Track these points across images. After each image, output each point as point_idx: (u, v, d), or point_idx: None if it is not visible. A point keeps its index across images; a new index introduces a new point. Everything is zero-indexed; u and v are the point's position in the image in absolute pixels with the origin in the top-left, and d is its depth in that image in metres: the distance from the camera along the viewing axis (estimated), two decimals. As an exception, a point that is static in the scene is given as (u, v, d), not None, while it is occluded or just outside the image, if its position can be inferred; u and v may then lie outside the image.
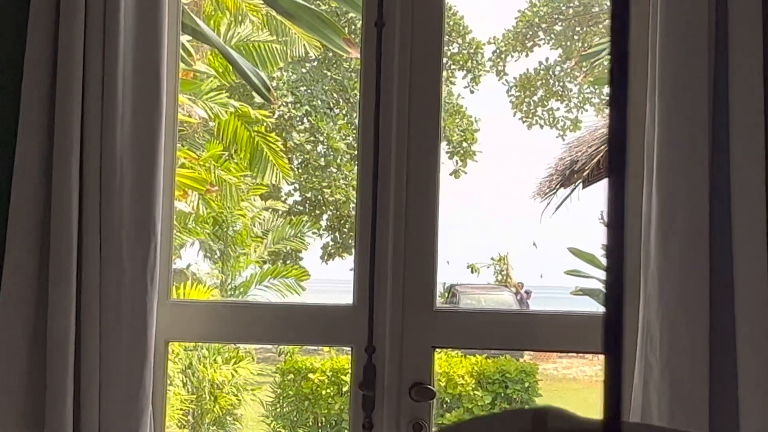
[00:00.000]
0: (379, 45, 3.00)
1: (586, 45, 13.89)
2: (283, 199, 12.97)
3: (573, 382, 12.37)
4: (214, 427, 10.11)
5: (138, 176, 2.85)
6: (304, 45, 10.92)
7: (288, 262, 12.25)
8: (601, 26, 13.91)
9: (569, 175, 9.51)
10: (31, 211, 2.81)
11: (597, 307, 9.92)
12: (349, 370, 3.07)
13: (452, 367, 9.76)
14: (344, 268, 13.12)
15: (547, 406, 0.86)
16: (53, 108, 2.81)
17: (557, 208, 9.78)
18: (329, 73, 13.27)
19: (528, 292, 12.48)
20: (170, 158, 3.01)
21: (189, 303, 4.37)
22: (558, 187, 9.68)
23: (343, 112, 13.42)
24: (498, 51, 14.20)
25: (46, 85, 2.83)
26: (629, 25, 0.84)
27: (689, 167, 2.69)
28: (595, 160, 9.20)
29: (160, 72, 2.87)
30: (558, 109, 13.98)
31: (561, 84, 14.08)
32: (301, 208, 13.23)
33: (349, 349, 3.07)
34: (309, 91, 13.13)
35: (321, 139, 13.00)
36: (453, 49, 13.53)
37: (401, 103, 3.01)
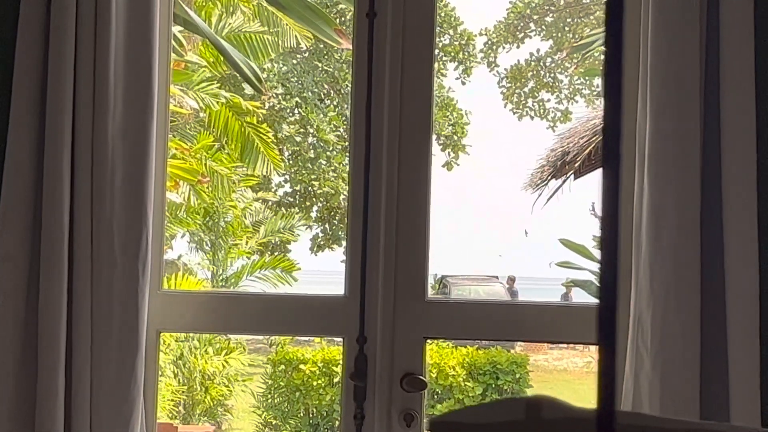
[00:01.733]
0: (370, 35, 2.99)
1: (577, 36, 13.90)
2: (273, 190, 12.96)
3: (564, 373, 12.40)
4: (205, 418, 10.11)
5: (129, 167, 2.84)
6: (295, 36, 10.91)
7: (277, 253, 12.25)
8: (592, 17, 13.91)
9: (561, 167, 9.51)
10: (23, 203, 2.80)
11: (588, 298, 9.95)
12: (341, 361, 3.07)
13: (443, 358, 9.77)
14: (334, 259, 13.13)
15: (541, 395, 0.86)
16: (44, 99, 2.80)
17: (548, 200, 9.78)
18: (320, 65, 13.26)
19: (569, 287, 12.16)
20: (162, 149, 3.01)
21: (180, 293, 4.37)
22: (549, 178, 9.68)
23: (334, 103, 13.41)
24: (489, 42, 14.20)
25: (37, 76, 2.82)
26: (623, 16, 0.84)
27: (680, 157, 2.69)
28: (586, 151, 9.20)
29: (152, 63, 2.87)
30: (549, 100, 14.00)
31: (552, 75, 14.09)
32: (292, 200, 13.23)
33: (341, 339, 3.08)
34: (299, 82, 13.12)
35: (311, 130, 13.00)
36: (444, 40, 13.53)
37: (393, 94, 3.00)
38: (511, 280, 12.71)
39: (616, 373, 0.82)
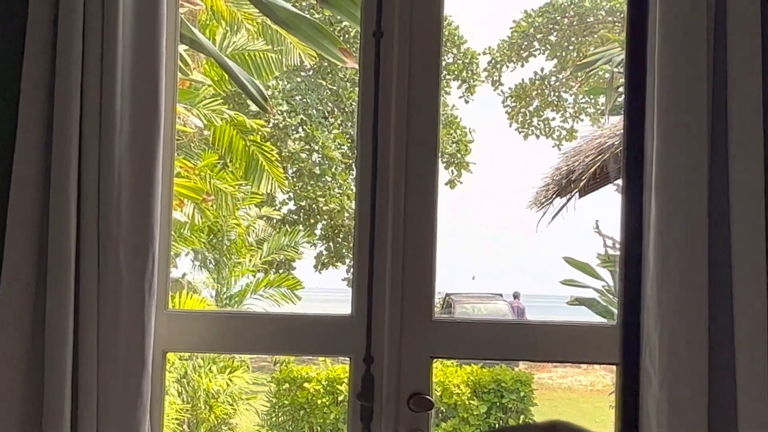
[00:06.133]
0: (377, 55, 3.00)
1: (581, 55, 13.92)
2: (277, 207, 12.96)
3: (568, 391, 12.37)
4: (210, 437, 10.09)
5: (136, 187, 2.84)
6: (299, 54, 10.93)
7: (281, 271, 12.24)
8: (596, 36, 13.94)
9: (565, 185, 9.51)
10: (29, 223, 2.80)
11: (592, 316, 9.92)
12: (345, 380, 3.07)
13: (448, 376, 9.75)
14: (338, 277, 13.12)
15: (556, 420, 0.86)
16: (51, 118, 2.81)
17: (553, 218, 9.78)
18: (324, 82, 13.28)
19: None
20: (168, 168, 3.01)
21: (186, 313, 4.37)
22: (554, 196, 9.68)
23: (338, 121, 13.42)
24: (493, 61, 14.22)
25: (44, 97, 2.82)
26: (647, 37, 0.85)
27: (688, 177, 2.69)
28: (591, 170, 9.21)
29: (159, 82, 2.87)
30: (554, 119, 14.01)
31: (556, 94, 14.11)
32: (296, 217, 13.23)
33: (347, 359, 3.07)
34: (304, 100, 13.14)
35: (316, 147, 13.01)
36: (448, 59, 13.55)
37: (399, 114, 3.01)
38: (516, 297, 12.69)
39: (640, 399, 0.82)
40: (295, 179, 13.05)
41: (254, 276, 11.63)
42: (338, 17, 11.76)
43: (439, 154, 3.12)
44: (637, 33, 0.76)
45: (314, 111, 13.05)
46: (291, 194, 13.15)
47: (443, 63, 3.09)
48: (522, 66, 14.18)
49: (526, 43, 14.21)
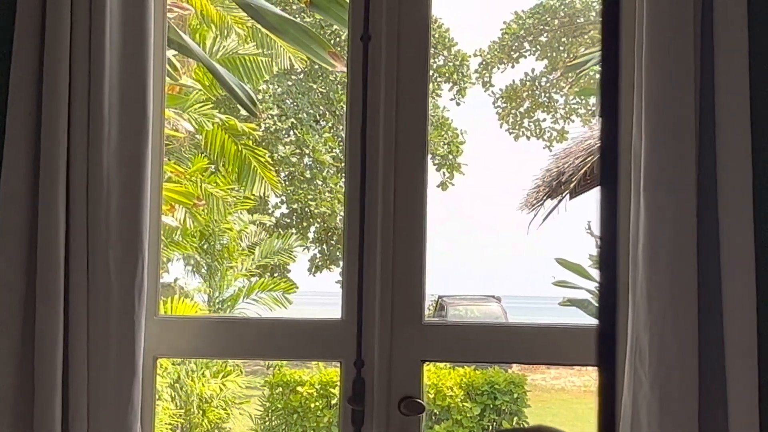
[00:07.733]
0: (365, 59, 2.99)
1: (571, 55, 13.94)
2: (270, 211, 12.96)
3: (562, 392, 12.38)
4: (203, 442, 10.08)
5: (124, 192, 2.84)
6: (289, 57, 10.92)
7: (275, 274, 12.23)
8: (586, 36, 13.96)
9: (556, 187, 9.53)
10: (18, 229, 2.79)
11: (585, 317, 9.94)
12: (338, 383, 3.06)
13: (441, 378, 9.75)
14: (332, 280, 13.13)
15: (539, 425, 0.86)
16: (39, 124, 2.80)
17: (544, 219, 9.79)
18: (315, 86, 13.28)
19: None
20: (157, 174, 3.00)
21: (177, 319, 4.36)
22: (545, 198, 9.70)
23: (329, 124, 13.42)
24: (484, 63, 14.24)
25: (31, 101, 2.82)
26: (620, 36, 0.84)
27: (677, 180, 2.69)
28: (581, 172, 9.23)
29: (146, 88, 2.86)
30: (544, 120, 14.03)
31: (547, 95, 14.13)
32: (288, 221, 13.23)
33: (338, 363, 3.07)
34: (295, 103, 13.14)
35: (307, 151, 13.00)
36: (438, 61, 13.55)
37: (388, 117, 3.00)
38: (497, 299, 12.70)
39: (615, 399, 0.81)
40: (286, 183, 13.04)
41: (248, 280, 11.63)
42: (329, 21, 11.76)
43: (428, 156, 3.11)
44: (611, 29, 0.76)
45: (305, 114, 13.04)
46: (283, 198, 13.15)
47: (434, 65, 3.08)
48: (512, 67, 14.21)
49: (516, 44, 14.23)
